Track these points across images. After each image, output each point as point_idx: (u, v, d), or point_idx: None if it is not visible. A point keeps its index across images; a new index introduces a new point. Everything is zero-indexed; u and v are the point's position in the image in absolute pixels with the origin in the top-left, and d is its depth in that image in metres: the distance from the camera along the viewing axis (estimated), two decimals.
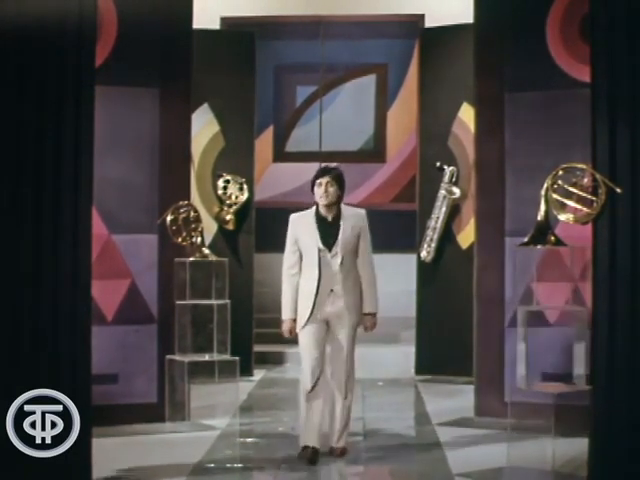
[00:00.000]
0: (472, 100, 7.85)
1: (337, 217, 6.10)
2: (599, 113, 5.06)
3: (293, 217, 6.18)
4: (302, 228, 6.10)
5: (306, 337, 6.05)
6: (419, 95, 9.71)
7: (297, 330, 6.05)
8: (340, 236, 6.04)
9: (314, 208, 6.14)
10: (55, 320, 4.87)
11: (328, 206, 6.08)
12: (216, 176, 9.33)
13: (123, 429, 6.70)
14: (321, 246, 6.03)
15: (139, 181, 7.02)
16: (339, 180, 6.11)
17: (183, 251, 7.18)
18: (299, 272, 6.08)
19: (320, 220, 6.10)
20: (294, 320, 6.08)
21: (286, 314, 6.11)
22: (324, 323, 6.06)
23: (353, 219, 6.10)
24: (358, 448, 6.36)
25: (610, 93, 5.02)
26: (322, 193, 6.06)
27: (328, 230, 6.07)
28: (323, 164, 6.37)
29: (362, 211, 6.21)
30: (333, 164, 6.24)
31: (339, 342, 6.07)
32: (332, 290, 6.02)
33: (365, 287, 6.11)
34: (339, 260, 6.02)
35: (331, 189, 6.06)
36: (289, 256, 6.12)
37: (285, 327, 6.12)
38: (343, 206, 6.15)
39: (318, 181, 6.09)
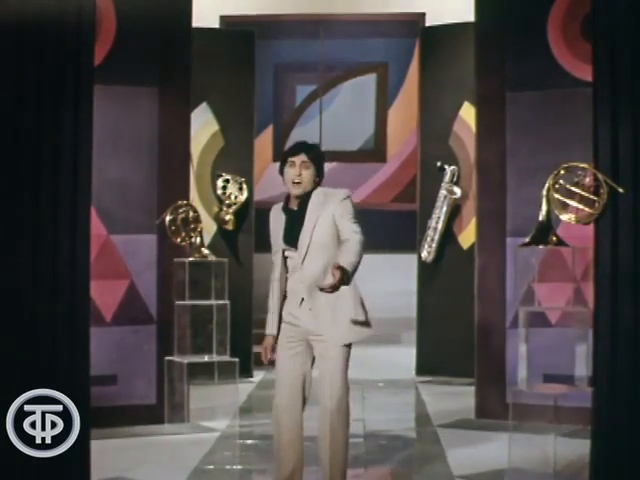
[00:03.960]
0: (473, 99, 7.82)
1: (304, 204, 4.67)
2: (601, 112, 5.03)
3: (272, 208, 4.86)
4: (273, 223, 4.80)
5: (280, 364, 4.76)
6: (420, 94, 9.69)
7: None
8: (305, 226, 4.62)
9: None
10: (54, 320, 4.84)
11: (300, 196, 4.67)
12: (215, 176, 9.30)
13: (122, 431, 6.66)
14: (283, 244, 4.69)
15: (138, 181, 6.99)
16: (318, 161, 4.66)
17: (182, 251, 7.15)
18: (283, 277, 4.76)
19: (287, 212, 4.73)
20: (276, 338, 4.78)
21: (267, 329, 4.82)
22: (304, 344, 4.75)
23: (324, 204, 4.63)
24: (358, 450, 6.33)
25: (612, 92, 4.99)
26: (294, 176, 4.58)
27: (292, 222, 4.67)
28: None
29: (339, 191, 4.70)
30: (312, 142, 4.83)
31: (322, 368, 4.72)
32: (303, 299, 4.67)
33: (345, 249, 4.55)
34: (305, 258, 4.62)
35: (306, 172, 4.60)
36: (273, 259, 4.82)
37: (263, 346, 4.82)
38: (315, 190, 4.70)
39: (291, 159, 4.62)
